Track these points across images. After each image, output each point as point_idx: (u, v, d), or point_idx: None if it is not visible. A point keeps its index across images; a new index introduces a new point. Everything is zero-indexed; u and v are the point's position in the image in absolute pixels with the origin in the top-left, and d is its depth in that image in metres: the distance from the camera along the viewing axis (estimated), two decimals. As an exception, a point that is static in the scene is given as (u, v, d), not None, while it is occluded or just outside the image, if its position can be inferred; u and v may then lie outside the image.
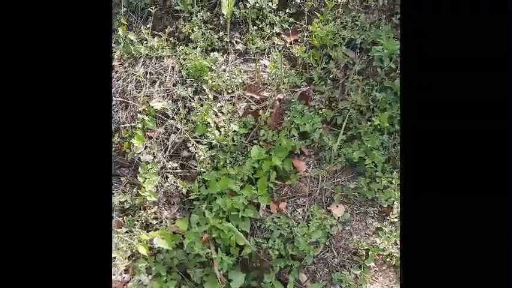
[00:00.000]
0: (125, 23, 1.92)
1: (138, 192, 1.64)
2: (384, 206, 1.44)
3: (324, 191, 1.53)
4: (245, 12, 1.91)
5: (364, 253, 1.37)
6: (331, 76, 1.72)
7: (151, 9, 1.91)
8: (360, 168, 1.52)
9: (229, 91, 1.80)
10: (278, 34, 1.92)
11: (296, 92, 1.73)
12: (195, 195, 1.57)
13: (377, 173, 1.47)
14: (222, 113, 1.75)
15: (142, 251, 1.44)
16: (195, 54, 1.83)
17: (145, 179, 1.62)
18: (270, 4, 1.89)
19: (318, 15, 1.83)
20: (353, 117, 1.59)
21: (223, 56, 1.89)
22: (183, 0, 1.95)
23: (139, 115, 1.73)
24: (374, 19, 1.77)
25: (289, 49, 1.87)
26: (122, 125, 1.76)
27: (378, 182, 1.45)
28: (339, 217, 1.45)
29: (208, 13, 1.94)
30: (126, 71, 1.88)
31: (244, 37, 1.93)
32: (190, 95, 1.78)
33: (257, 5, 1.90)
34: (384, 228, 1.40)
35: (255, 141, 1.67)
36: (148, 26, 1.91)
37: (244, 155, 1.65)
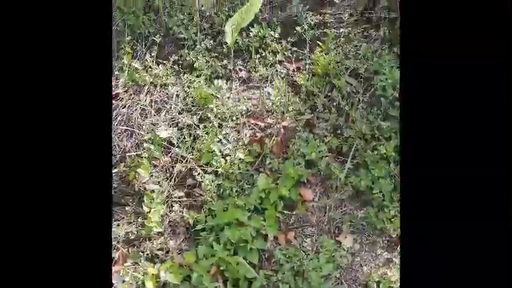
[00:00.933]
0: (130, 51, 1.94)
1: (143, 222, 1.62)
2: (393, 236, 1.44)
3: (332, 220, 1.53)
4: (248, 41, 1.94)
5: (375, 286, 1.37)
6: (334, 104, 1.75)
7: (156, 37, 1.93)
8: (368, 197, 1.53)
9: (234, 118, 1.81)
10: (280, 62, 1.95)
11: (300, 119, 1.75)
12: (202, 226, 1.56)
13: (384, 202, 1.48)
14: (227, 140, 1.75)
15: (150, 285, 1.41)
16: (200, 82, 1.85)
17: (151, 208, 1.61)
18: (272, 33, 1.93)
19: (320, 44, 1.87)
20: (358, 146, 1.60)
21: (227, 83, 1.92)
22: (187, 29, 1.99)
23: (144, 144, 1.73)
24: (376, 48, 1.82)
25: (292, 77, 1.91)
26: (127, 154, 1.75)
27: (386, 212, 1.46)
28: (348, 248, 1.45)
29: (211, 41, 1.97)
30: (131, 99, 1.88)
31: (247, 65, 1.97)
32: (196, 122, 1.79)
33: (260, 34, 1.94)
34: (394, 259, 1.40)
35: (261, 169, 1.67)
36: (152, 54, 1.93)
37: (250, 183, 1.65)
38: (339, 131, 1.70)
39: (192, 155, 1.73)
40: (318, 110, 1.76)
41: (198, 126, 1.78)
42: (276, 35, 1.93)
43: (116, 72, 1.94)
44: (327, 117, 1.72)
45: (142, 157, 1.71)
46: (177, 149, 1.75)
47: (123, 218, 1.66)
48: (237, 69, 1.96)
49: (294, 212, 1.57)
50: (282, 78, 1.89)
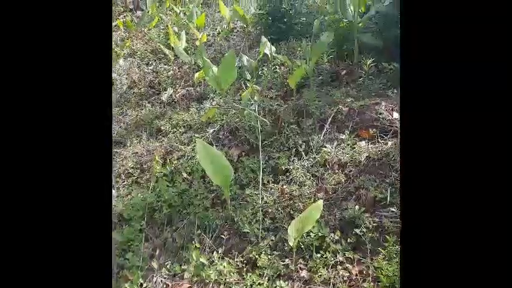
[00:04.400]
0: (198, 246, 2.12)
1: None
2: None
3: None
4: (309, 240, 2.05)
5: None
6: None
7: (223, 235, 2.12)
8: None
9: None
10: (341, 263, 1.98)
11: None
12: None
13: None
14: None
15: None
16: (263, 284, 1.89)
17: None
18: (332, 235, 2.04)
19: (382, 251, 1.91)
20: None
21: (288, 283, 1.93)
22: (251, 225, 2.17)
23: None
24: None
25: (355, 281, 1.89)
26: None
27: None
28: None
29: (273, 237, 2.11)
30: (195, 297, 1.94)
31: (308, 264, 2.01)
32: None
33: (319, 234, 2.06)
34: None
35: None
36: (220, 251, 2.08)
37: None
38: None
39: None
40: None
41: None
42: (336, 237, 2.02)
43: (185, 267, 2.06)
44: None
45: None
46: None
47: None
48: (298, 268, 2.01)
49: None
50: (344, 281, 1.88)
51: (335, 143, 2.61)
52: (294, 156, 2.62)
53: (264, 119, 2.80)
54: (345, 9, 3.56)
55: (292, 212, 2.21)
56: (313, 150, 2.64)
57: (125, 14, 7.93)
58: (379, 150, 2.43)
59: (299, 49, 4.14)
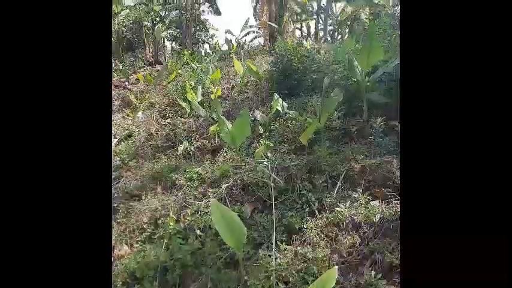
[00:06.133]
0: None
1: None
2: None
3: None
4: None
5: None
6: None
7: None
8: None
9: None
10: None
11: None
12: None
13: None
14: None
15: None
16: None
17: None
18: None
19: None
20: None
21: None
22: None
23: None
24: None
25: None
26: None
27: None
28: None
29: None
30: None
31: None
32: None
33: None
34: None
35: None
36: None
37: None
38: None
39: None
40: None
41: None
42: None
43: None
44: None
45: None
46: None
47: None
48: None
49: None
50: None
51: (348, 202, 2.62)
52: (308, 214, 2.62)
53: (277, 178, 2.86)
54: (352, 68, 3.75)
55: (306, 277, 2.16)
56: (327, 208, 2.64)
57: (144, 68, 8.48)
58: (393, 211, 2.43)
59: (310, 104, 4.32)
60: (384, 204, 2.56)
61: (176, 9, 13.23)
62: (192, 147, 4.26)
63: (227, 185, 3.19)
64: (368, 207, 2.53)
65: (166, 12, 13.57)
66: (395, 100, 3.42)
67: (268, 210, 2.73)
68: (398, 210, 2.45)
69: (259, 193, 2.95)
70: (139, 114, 5.53)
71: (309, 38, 13.47)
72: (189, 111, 5.24)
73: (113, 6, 9.96)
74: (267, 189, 2.90)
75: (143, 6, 12.10)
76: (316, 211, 2.65)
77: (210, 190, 3.19)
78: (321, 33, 15.73)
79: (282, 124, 3.99)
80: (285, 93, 4.86)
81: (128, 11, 12.48)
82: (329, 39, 15.44)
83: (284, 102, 4.28)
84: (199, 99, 5.24)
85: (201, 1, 15.51)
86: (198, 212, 2.97)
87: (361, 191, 2.71)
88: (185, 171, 3.66)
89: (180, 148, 4.20)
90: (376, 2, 10.77)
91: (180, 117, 5.31)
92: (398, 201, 2.56)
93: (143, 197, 3.37)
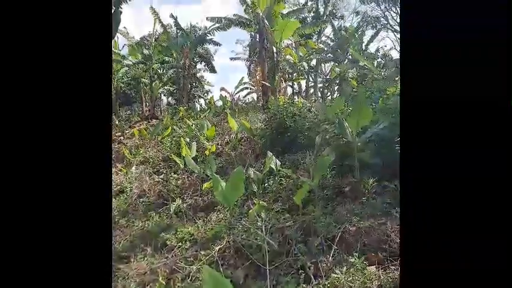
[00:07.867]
0: None
1: None
2: None
3: None
4: None
5: None
6: None
7: None
8: None
9: None
10: None
11: None
12: None
13: None
14: None
15: None
16: None
17: None
18: None
19: None
20: None
21: None
22: None
23: None
24: None
25: None
26: None
27: None
28: None
29: None
30: None
31: None
32: None
33: None
34: None
35: None
36: None
37: None
38: None
39: None
40: None
41: None
42: None
43: None
44: None
45: None
46: None
47: None
48: None
49: None
50: None
51: (344, 268, 2.55)
52: (303, 281, 2.52)
53: (271, 241, 2.81)
54: (343, 129, 3.90)
55: None
56: (322, 274, 2.56)
57: (140, 123, 8.63)
58: (390, 278, 2.36)
59: (302, 162, 4.39)
60: (380, 269, 2.49)
61: (173, 68, 13.94)
62: (184, 205, 4.20)
63: (219, 247, 3.10)
64: (365, 273, 2.46)
65: (164, 70, 14.27)
66: (386, 160, 3.52)
67: (263, 276, 2.63)
68: (397, 276, 2.38)
69: (252, 257, 2.86)
70: (133, 169, 5.52)
71: (300, 96, 14.12)
72: (182, 166, 5.26)
73: (113, 65, 10.48)
74: (262, 252, 2.82)
75: (142, 65, 12.75)
76: (312, 276, 2.56)
77: (202, 253, 3.09)
78: (312, 90, 16.56)
79: (275, 182, 4.02)
80: (278, 150, 4.96)
81: (126, 68, 13.10)
82: (319, 95, 16.18)
83: (277, 160, 4.35)
84: (193, 155, 5.30)
85: (198, 60, 16.44)
86: (188, 277, 2.83)
87: (357, 255, 2.66)
88: (176, 231, 3.57)
89: (173, 207, 4.13)
90: (362, 65, 11.58)
91: (174, 172, 5.31)
92: (395, 267, 2.50)
93: (132, 259, 3.22)
